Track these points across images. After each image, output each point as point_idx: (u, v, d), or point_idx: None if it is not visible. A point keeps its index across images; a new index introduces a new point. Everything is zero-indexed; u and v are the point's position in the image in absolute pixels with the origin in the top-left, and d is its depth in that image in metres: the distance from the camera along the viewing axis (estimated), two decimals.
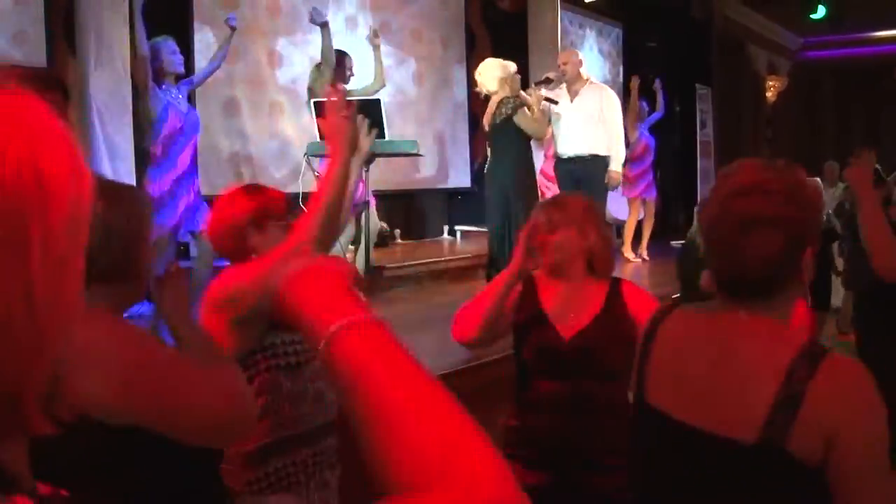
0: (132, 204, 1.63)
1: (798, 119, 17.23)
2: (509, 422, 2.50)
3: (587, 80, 6.84)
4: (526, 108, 5.97)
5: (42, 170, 0.59)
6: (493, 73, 6.06)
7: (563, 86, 6.67)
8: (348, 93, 5.51)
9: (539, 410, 2.40)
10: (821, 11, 12.64)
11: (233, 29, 5.76)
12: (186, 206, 5.26)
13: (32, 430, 0.61)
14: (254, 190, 2.30)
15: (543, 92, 6.36)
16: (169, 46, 5.32)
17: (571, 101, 6.63)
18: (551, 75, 6.66)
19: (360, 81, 6.61)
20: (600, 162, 6.54)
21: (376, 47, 6.59)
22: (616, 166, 6.64)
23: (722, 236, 1.42)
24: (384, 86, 6.71)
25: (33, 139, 0.60)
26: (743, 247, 1.39)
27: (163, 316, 1.68)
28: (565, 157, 6.62)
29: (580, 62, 6.84)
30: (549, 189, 7.27)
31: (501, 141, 6.05)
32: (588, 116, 6.55)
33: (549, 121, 6.58)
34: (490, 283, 2.43)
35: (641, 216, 9.14)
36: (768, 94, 16.10)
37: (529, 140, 6.09)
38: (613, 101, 6.75)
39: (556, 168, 6.80)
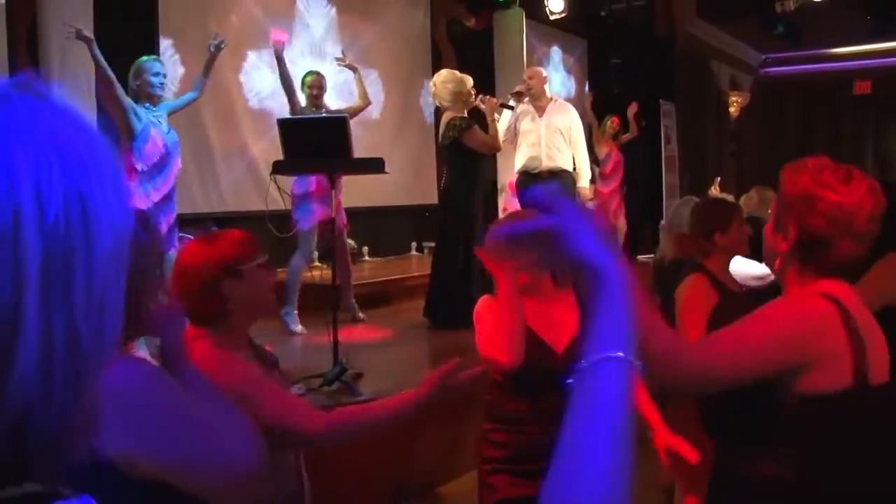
0: (145, 231, 1.44)
1: (761, 134, 17.46)
2: (494, 436, 2.52)
3: (552, 98, 6.91)
4: (475, 127, 5.89)
5: (89, 202, 0.54)
6: (447, 87, 6.00)
7: (527, 99, 6.72)
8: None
9: (533, 423, 2.43)
10: (780, 27, 12.93)
11: (218, 50, 5.56)
12: (168, 227, 5.09)
13: (76, 458, 0.58)
14: (215, 237, 2.00)
15: (512, 100, 6.40)
16: (153, 67, 5.18)
17: (540, 117, 6.68)
18: (521, 88, 6.72)
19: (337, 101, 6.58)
20: (566, 177, 6.59)
21: (353, 69, 6.40)
22: (585, 183, 6.78)
23: (858, 227, 1.68)
24: (370, 103, 6.51)
25: (79, 164, 0.55)
26: (871, 232, 1.69)
27: (164, 351, 1.50)
28: (533, 172, 6.64)
29: (545, 79, 6.93)
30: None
31: (451, 161, 6.05)
32: (554, 133, 6.61)
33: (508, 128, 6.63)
34: (499, 307, 2.41)
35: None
36: (731, 110, 16.31)
37: (483, 157, 6.04)
38: (579, 121, 6.86)
39: (519, 183, 6.82)
